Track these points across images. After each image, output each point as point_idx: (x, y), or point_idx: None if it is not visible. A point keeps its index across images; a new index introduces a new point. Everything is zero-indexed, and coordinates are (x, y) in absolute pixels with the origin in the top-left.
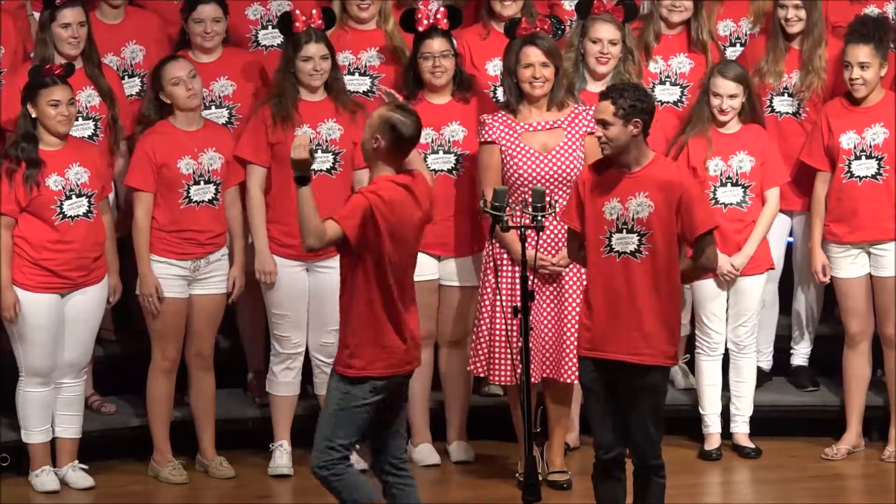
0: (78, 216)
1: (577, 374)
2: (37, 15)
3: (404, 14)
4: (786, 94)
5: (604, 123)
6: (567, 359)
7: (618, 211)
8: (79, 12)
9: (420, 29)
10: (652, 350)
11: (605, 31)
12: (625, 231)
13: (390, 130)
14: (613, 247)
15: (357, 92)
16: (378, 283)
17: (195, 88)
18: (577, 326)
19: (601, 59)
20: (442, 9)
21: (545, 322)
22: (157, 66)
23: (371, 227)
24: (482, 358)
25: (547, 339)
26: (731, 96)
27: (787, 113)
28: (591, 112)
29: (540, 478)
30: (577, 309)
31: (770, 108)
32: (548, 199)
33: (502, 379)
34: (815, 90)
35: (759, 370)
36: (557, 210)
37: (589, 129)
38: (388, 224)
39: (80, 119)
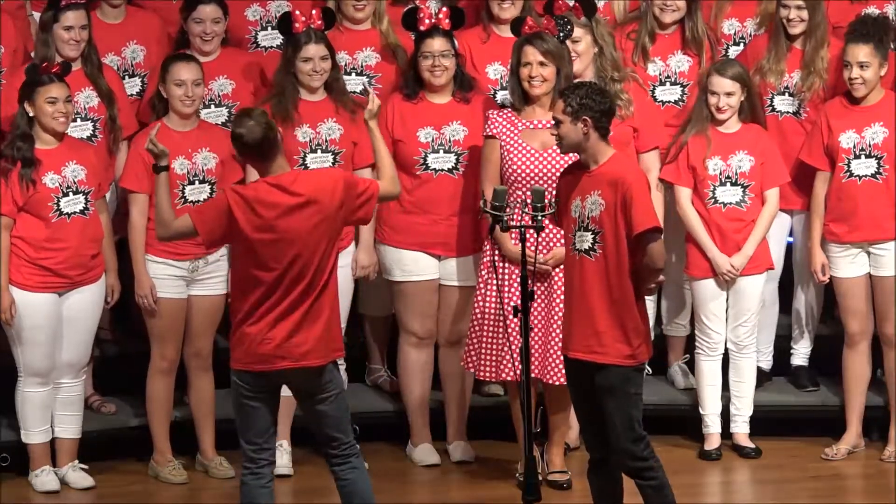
0: (74, 213)
1: (560, 375)
2: (37, 15)
3: (406, 13)
4: (787, 94)
5: (556, 121)
6: (552, 360)
7: (579, 209)
8: (81, 15)
9: (421, 28)
10: (605, 349)
11: None
12: (582, 229)
13: (234, 141)
14: (576, 245)
15: (354, 91)
16: (249, 279)
17: (195, 95)
18: None
19: None
20: (445, 9)
21: (534, 322)
22: (167, 60)
23: (231, 223)
24: (473, 354)
25: (535, 338)
26: (728, 94)
27: (788, 112)
28: None
29: (540, 478)
30: None
31: (771, 108)
32: (548, 198)
33: (489, 375)
34: (817, 90)
35: (759, 370)
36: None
37: None
38: (249, 221)
39: (78, 120)
